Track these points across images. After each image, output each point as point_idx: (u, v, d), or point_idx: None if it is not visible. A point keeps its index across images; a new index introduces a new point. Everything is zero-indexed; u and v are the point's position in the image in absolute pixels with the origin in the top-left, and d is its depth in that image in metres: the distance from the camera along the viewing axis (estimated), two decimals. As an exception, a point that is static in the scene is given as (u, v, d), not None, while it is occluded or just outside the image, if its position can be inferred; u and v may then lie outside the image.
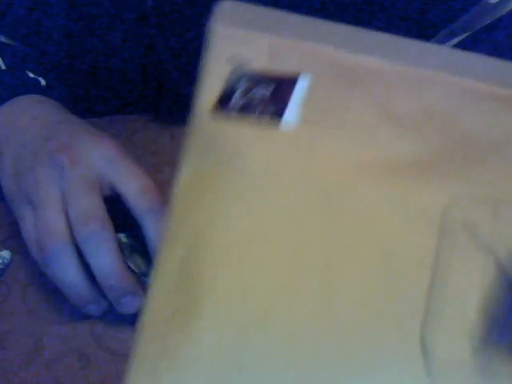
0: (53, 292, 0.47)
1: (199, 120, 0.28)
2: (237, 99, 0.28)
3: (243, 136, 0.28)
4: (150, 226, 0.45)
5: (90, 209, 0.43)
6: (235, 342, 0.26)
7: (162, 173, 0.59)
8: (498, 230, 0.25)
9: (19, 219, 0.47)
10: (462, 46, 0.67)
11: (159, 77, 0.70)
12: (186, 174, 0.29)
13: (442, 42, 0.68)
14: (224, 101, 0.28)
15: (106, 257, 0.43)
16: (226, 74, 0.29)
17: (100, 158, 0.46)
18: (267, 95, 0.28)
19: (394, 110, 0.27)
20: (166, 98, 0.72)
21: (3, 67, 0.56)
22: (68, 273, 0.43)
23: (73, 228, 0.43)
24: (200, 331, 0.26)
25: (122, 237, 0.45)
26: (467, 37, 0.66)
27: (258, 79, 0.28)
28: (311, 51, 0.28)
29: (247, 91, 0.28)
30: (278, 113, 0.28)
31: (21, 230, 0.46)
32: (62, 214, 0.44)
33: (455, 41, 0.67)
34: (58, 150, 0.46)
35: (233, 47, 0.29)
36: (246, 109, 0.28)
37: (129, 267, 0.44)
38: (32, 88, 0.55)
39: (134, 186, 0.45)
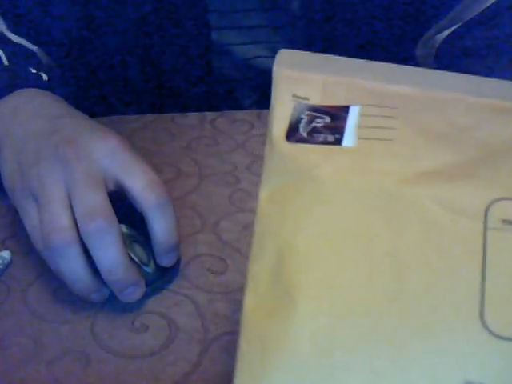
0: (53, 292, 0.47)
1: (275, 145, 0.33)
2: (302, 129, 0.33)
3: (313, 155, 0.32)
4: (156, 220, 0.45)
5: (96, 205, 0.43)
6: (327, 334, 0.30)
7: (162, 173, 0.59)
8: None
9: (22, 213, 0.46)
10: (454, 36, 0.67)
11: (159, 77, 0.70)
12: (267, 189, 0.33)
13: (435, 34, 0.68)
14: (292, 130, 0.33)
15: (111, 253, 0.43)
16: (291, 109, 0.34)
17: (105, 153, 0.46)
18: (326, 125, 0.33)
19: (427, 127, 0.32)
20: (165, 97, 0.72)
21: (6, 63, 0.56)
22: (74, 269, 0.43)
23: (78, 223, 0.43)
24: (296, 327, 0.30)
25: (123, 228, 0.45)
26: (459, 27, 0.66)
27: (316, 112, 0.33)
28: (356, 85, 0.34)
29: (310, 122, 0.33)
30: (338, 138, 0.32)
31: (24, 224, 0.46)
32: (68, 209, 0.43)
33: (447, 32, 0.67)
34: (62, 145, 0.46)
35: (293, 86, 0.34)
36: (311, 136, 0.33)
37: (130, 257, 0.44)
38: (33, 83, 0.55)
39: (140, 181, 0.45)
